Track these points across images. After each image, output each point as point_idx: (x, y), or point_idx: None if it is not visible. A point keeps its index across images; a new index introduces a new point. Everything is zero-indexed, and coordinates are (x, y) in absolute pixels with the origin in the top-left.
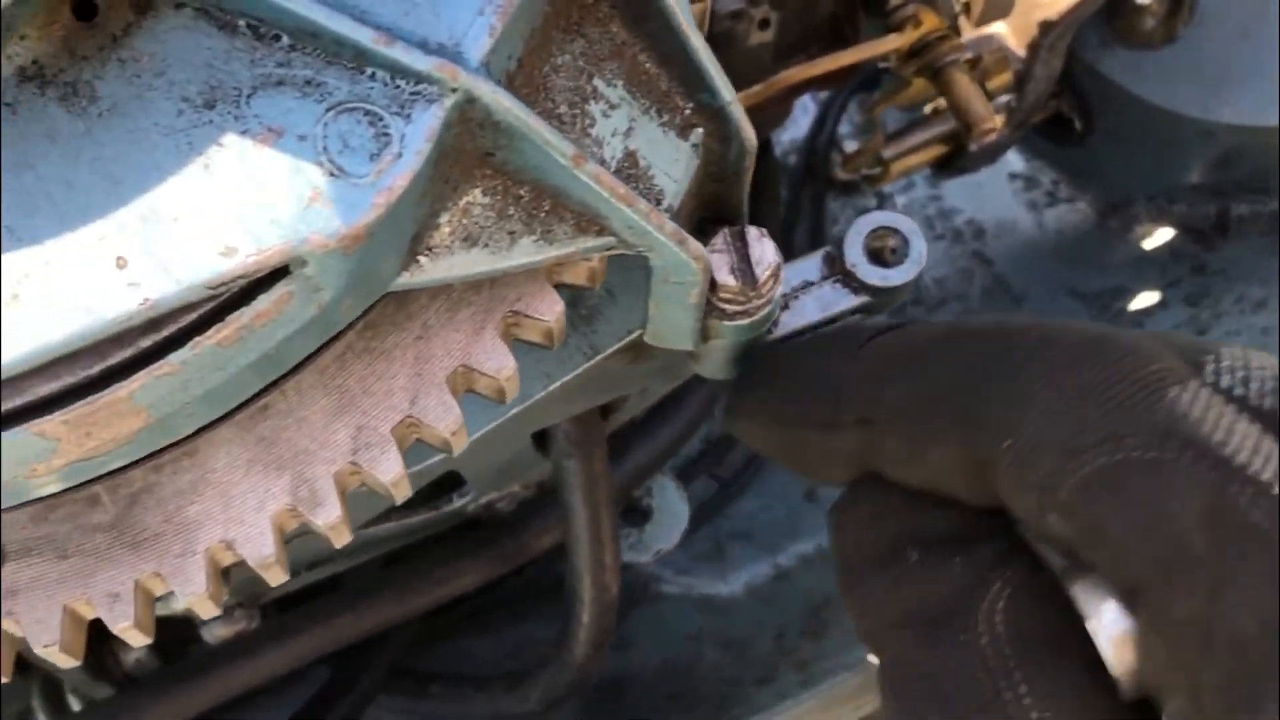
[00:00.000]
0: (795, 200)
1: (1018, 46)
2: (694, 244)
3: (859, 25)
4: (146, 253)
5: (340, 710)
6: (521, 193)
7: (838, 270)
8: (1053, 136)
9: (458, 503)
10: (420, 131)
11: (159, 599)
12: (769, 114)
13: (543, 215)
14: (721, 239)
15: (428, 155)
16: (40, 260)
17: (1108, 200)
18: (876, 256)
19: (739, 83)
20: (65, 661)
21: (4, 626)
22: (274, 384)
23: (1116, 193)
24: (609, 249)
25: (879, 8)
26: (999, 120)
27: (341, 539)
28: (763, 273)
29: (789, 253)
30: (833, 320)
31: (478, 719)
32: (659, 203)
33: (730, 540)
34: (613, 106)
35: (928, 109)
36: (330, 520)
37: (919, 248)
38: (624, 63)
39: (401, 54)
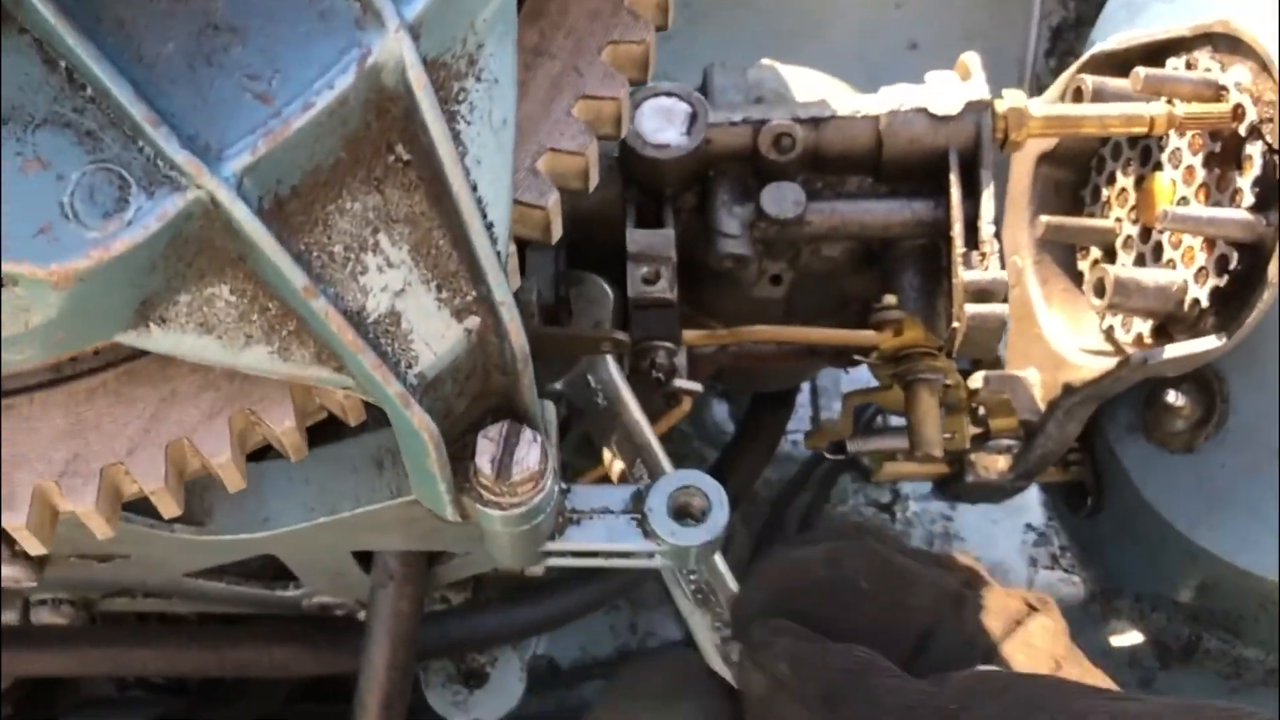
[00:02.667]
0: (812, 466)
1: (1042, 399)
2: (419, 412)
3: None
4: None
5: None
6: (270, 305)
7: (638, 509)
8: (1069, 502)
9: (292, 593)
10: (154, 210)
11: None
12: (773, 370)
13: (285, 333)
14: (497, 429)
15: (155, 233)
16: None
17: (1101, 584)
18: (682, 511)
19: (744, 323)
20: None
21: None
22: (29, 389)
23: (1111, 580)
24: (345, 388)
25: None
26: (937, 452)
27: (33, 547)
28: (519, 474)
29: (779, 517)
30: (622, 554)
31: None
32: (410, 366)
33: None
34: (391, 265)
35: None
36: (14, 523)
37: (720, 520)
38: (417, 231)
39: (161, 139)
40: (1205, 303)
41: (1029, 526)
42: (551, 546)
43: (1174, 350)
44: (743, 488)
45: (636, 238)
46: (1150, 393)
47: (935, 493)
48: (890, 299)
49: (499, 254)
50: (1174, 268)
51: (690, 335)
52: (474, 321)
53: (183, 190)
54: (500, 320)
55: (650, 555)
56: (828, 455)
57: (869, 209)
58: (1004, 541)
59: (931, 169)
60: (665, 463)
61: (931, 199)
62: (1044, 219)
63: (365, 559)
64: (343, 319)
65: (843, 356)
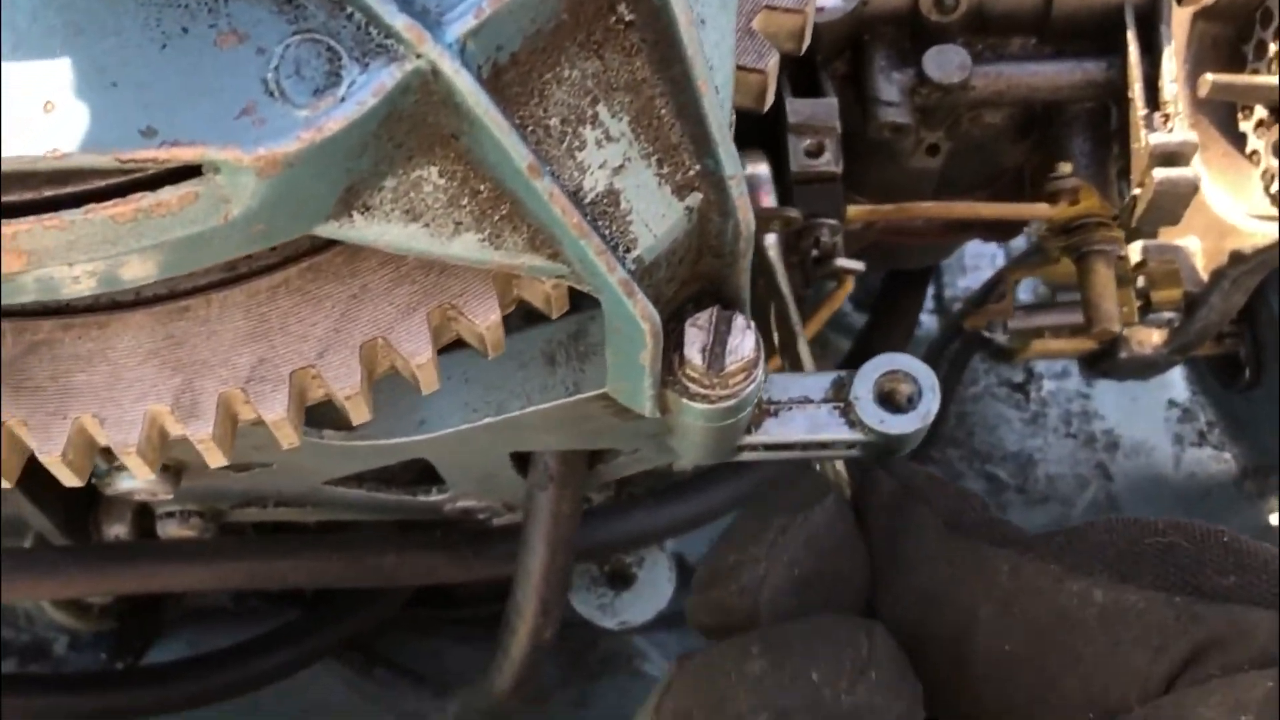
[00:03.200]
0: (941, 347)
1: (1204, 268)
2: (643, 301)
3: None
4: (74, 106)
5: (281, 654)
6: (481, 188)
7: (840, 398)
8: (1221, 377)
9: (435, 497)
10: (370, 84)
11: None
12: (919, 246)
13: (496, 218)
14: (706, 316)
15: (371, 109)
16: None
17: (1255, 461)
18: (887, 399)
19: (893, 197)
20: None
21: None
22: (203, 290)
23: (1266, 455)
24: (558, 276)
25: (1043, 174)
26: (1117, 327)
27: (215, 459)
28: (732, 363)
29: None
30: (821, 445)
31: (405, 714)
32: (629, 250)
33: None
34: (610, 139)
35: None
36: (199, 435)
37: (930, 404)
38: (638, 100)
39: (376, 3)
40: None
41: (1172, 403)
42: (747, 440)
43: None
44: None
45: (798, 108)
46: None
47: (1082, 370)
48: (1065, 167)
49: (728, 123)
50: None
51: (854, 211)
52: (696, 199)
53: (400, 60)
54: (728, 197)
55: (851, 446)
56: (986, 334)
57: (1037, 71)
58: (1145, 419)
59: (1104, 26)
60: (806, 355)
61: (1103, 59)
62: (1209, 77)
63: (518, 459)
64: (567, 200)
65: (997, 230)
